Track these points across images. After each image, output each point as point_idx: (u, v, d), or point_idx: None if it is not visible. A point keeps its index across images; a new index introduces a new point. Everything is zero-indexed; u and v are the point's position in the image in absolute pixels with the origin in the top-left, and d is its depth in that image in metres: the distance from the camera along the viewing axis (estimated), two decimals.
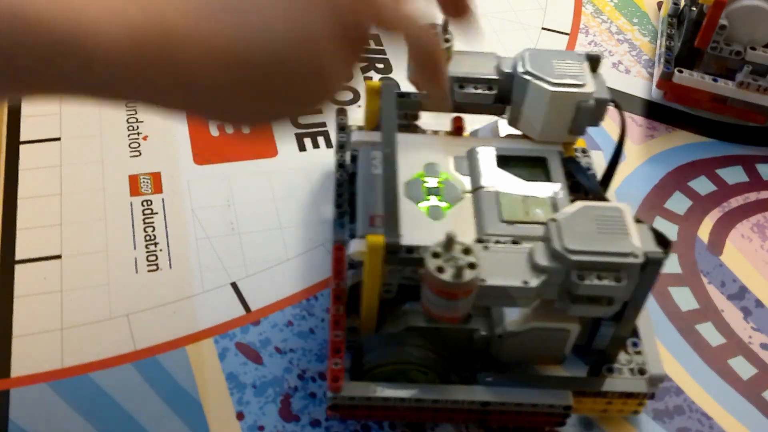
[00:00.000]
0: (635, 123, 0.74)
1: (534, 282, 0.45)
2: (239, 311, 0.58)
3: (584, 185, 0.54)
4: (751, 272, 0.64)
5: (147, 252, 0.61)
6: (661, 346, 0.58)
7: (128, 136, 0.69)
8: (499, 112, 0.58)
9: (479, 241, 0.49)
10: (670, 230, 0.65)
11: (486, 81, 0.56)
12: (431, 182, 0.53)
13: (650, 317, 0.54)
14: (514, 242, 0.48)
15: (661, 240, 0.46)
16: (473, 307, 0.46)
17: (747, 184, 0.70)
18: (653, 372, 0.51)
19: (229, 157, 0.68)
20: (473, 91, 0.56)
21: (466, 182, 0.54)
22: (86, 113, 0.70)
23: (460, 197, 0.53)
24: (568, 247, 0.44)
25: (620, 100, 0.75)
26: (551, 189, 0.53)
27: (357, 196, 0.54)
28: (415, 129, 0.60)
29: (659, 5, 0.86)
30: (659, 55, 0.76)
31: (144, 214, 0.63)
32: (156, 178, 0.66)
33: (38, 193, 0.64)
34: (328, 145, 0.69)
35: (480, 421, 0.52)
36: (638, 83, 0.78)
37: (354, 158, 0.58)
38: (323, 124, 0.71)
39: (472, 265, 0.44)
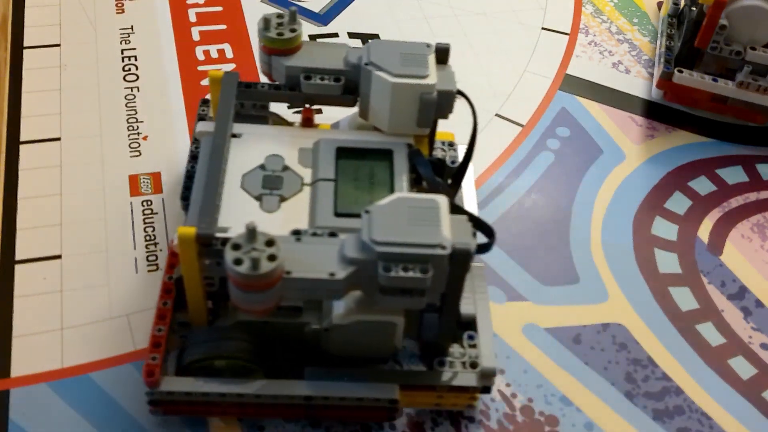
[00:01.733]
0: (635, 123, 0.74)
1: (341, 274, 0.45)
2: None
3: (425, 178, 0.53)
4: (751, 272, 0.64)
5: (147, 252, 0.61)
6: (661, 346, 0.58)
7: (128, 136, 0.69)
8: (350, 104, 0.57)
9: (314, 234, 0.49)
10: (670, 230, 0.65)
11: (333, 72, 0.55)
12: (270, 174, 0.53)
13: (490, 310, 0.54)
14: (332, 234, 0.48)
15: (488, 232, 0.47)
16: (302, 300, 0.47)
17: (747, 184, 0.70)
18: (485, 365, 0.51)
19: None
20: (320, 82, 0.55)
21: (308, 174, 0.53)
22: (86, 113, 0.70)
23: (298, 189, 0.52)
24: (375, 238, 0.44)
25: (620, 100, 0.75)
26: (394, 182, 0.53)
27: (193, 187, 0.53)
28: (281, 120, 0.59)
29: (659, 5, 0.86)
30: (659, 55, 0.76)
31: (144, 214, 0.63)
32: (156, 178, 0.66)
33: (38, 193, 0.64)
34: None
35: (307, 416, 0.52)
36: (638, 83, 0.78)
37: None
38: None
39: (272, 257, 0.43)
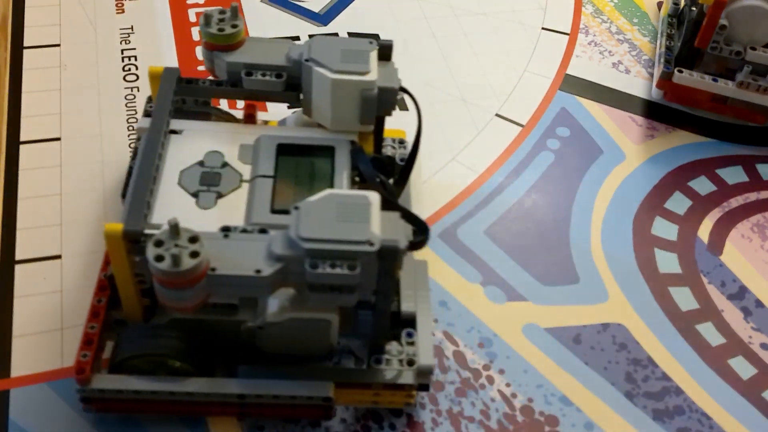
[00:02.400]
0: (635, 123, 0.74)
1: (267, 271, 0.44)
2: None
3: (364, 174, 0.53)
4: (751, 272, 0.64)
5: None
6: (661, 346, 0.58)
7: (128, 136, 0.69)
8: (293, 100, 0.57)
9: (244, 231, 0.48)
10: (670, 230, 0.65)
11: (274, 68, 0.55)
12: (208, 170, 0.52)
13: (432, 308, 0.54)
14: (262, 231, 0.47)
15: (422, 228, 0.47)
16: (233, 297, 0.47)
17: (747, 184, 0.70)
18: (422, 363, 0.50)
19: None
20: (261, 78, 0.55)
21: (248, 171, 0.53)
22: (86, 113, 0.70)
23: (237, 186, 0.52)
24: (302, 235, 0.44)
25: (620, 100, 0.75)
26: (335, 179, 0.52)
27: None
28: (228, 117, 0.59)
29: (659, 5, 0.86)
30: (659, 55, 0.76)
31: None
32: None
33: (38, 193, 0.64)
34: None
35: (241, 414, 0.51)
36: (638, 83, 0.78)
37: None
38: None
39: (194, 254, 0.43)
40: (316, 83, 0.54)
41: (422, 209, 0.65)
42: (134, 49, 0.76)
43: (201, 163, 0.53)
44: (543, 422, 0.54)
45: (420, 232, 0.49)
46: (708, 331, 0.60)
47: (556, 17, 0.84)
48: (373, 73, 0.53)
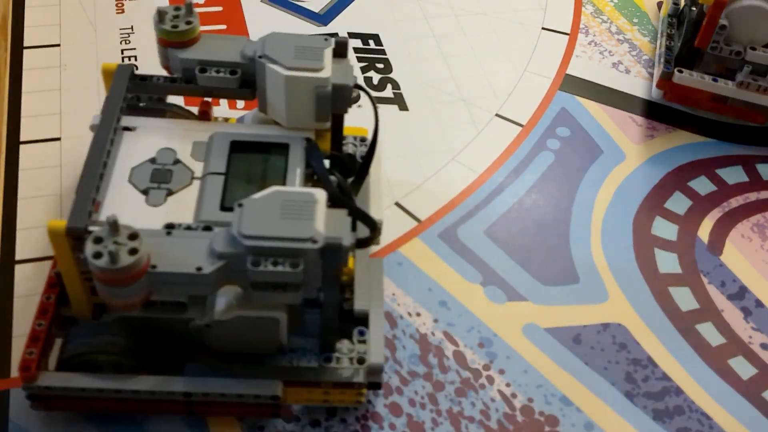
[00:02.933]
0: (635, 123, 0.74)
1: (209, 269, 0.44)
2: None
3: (316, 172, 0.53)
4: (751, 272, 0.64)
5: None
6: (661, 346, 0.58)
7: None
8: (248, 97, 0.56)
9: (188, 228, 0.48)
10: (670, 230, 0.65)
11: (229, 65, 0.55)
12: (160, 167, 0.52)
13: (383, 306, 0.53)
14: (207, 228, 0.47)
15: (371, 225, 0.48)
16: (178, 295, 0.47)
17: (747, 184, 0.70)
18: (372, 362, 0.50)
19: None
20: (215, 75, 0.54)
21: (200, 168, 0.52)
22: (86, 113, 0.70)
23: (188, 183, 0.52)
24: (244, 232, 0.44)
25: (620, 100, 0.75)
26: (287, 176, 0.52)
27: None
28: (186, 113, 0.59)
29: (659, 5, 0.86)
30: (659, 55, 0.76)
31: None
32: None
33: (38, 193, 0.64)
34: None
35: (189, 412, 0.51)
36: (638, 83, 0.78)
37: None
38: None
39: (133, 251, 0.43)
40: (270, 80, 0.53)
41: (421, 209, 0.65)
42: (134, 49, 0.76)
43: (153, 160, 0.52)
44: (543, 422, 0.54)
45: (369, 229, 0.49)
46: (708, 331, 0.60)
47: (556, 17, 0.84)
48: (327, 69, 0.52)
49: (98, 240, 0.43)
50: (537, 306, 0.60)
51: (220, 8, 0.81)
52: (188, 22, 0.54)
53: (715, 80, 0.71)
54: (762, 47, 0.69)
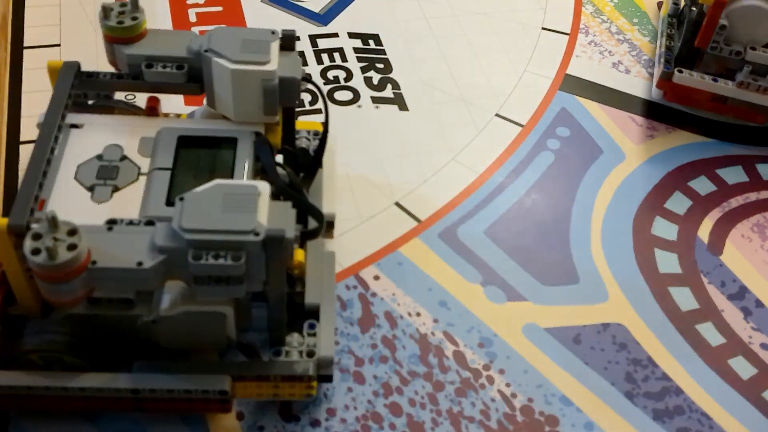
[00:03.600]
0: (635, 123, 0.74)
1: (149, 263, 0.44)
2: None
3: (264, 165, 0.53)
4: (751, 272, 0.64)
5: None
6: (661, 346, 0.58)
7: None
8: (196, 92, 0.56)
9: (130, 223, 0.48)
10: (670, 230, 0.65)
11: (175, 60, 0.54)
12: (106, 164, 0.52)
13: (335, 299, 0.53)
14: (149, 223, 0.47)
15: (317, 217, 0.48)
16: (120, 291, 0.47)
17: (747, 184, 0.70)
18: (322, 354, 0.50)
19: None
20: (162, 70, 0.54)
21: (147, 164, 0.52)
22: None
23: (134, 179, 0.51)
24: (185, 225, 0.44)
25: (620, 100, 0.75)
26: (236, 170, 0.52)
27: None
28: (133, 110, 0.58)
29: (659, 5, 0.86)
30: (659, 55, 0.76)
31: None
32: None
33: None
34: None
35: (137, 409, 0.50)
36: (638, 83, 0.78)
37: None
38: None
39: (72, 246, 0.42)
40: (217, 74, 0.53)
41: (421, 209, 0.65)
42: None
43: (99, 157, 0.52)
44: (543, 422, 0.54)
45: (315, 221, 0.49)
46: (708, 331, 0.60)
47: (556, 17, 0.84)
48: (274, 62, 0.52)
49: (37, 236, 0.43)
50: (537, 306, 0.60)
51: (220, 8, 0.81)
52: (134, 18, 0.54)
53: (715, 80, 0.71)
54: (762, 47, 0.69)
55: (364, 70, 0.76)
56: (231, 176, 0.51)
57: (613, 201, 0.67)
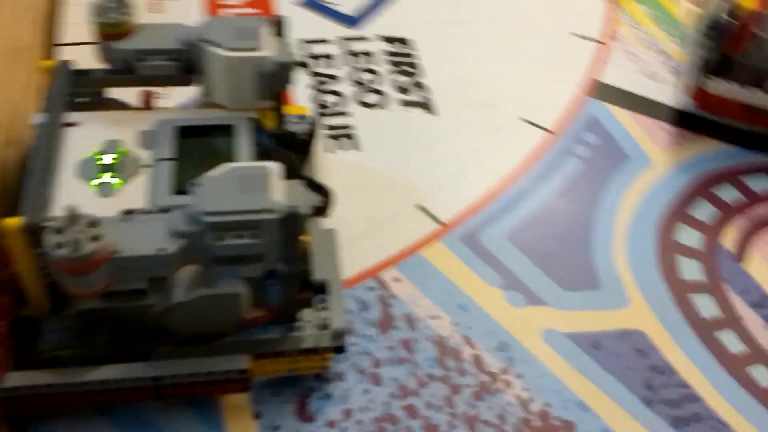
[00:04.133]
0: (663, 131, 0.74)
1: (171, 248, 0.44)
2: None
3: (265, 147, 0.53)
4: None
5: None
6: (681, 353, 0.58)
7: None
8: (189, 83, 0.56)
9: (145, 212, 0.48)
10: (694, 237, 0.65)
11: (167, 52, 0.55)
12: (107, 159, 0.52)
13: (340, 274, 0.54)
14: (164, 211, 0.47)
15: (324, 194, 0.49)
16: (142, 280, 0.47)
17: None
18: (336, 326, 0.51)
19: None
20: (154, 63, 0.55)
21: (147, 157, 0.52)
22: None
23: (137, 172, 0.52)
24: (204, 209, 0.44)
25: (649, 108, 0.75)
26: (237, 155, 0.52)
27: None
28: (124, 106, 0.59)
29: (692, 15, 0.85)
30: (691, 65, 0.75)
31: None
32: None
33: None
34: (355, 146, 0.70)
35: (156, 396, 0.51)
36: (669, 92, 0.77)
37: None
38: (350, 126, 0.71)
39: (94, 238, 0.43)
40: (212, 63, 0.54)
41: (445, 212, 0.65)
42: None
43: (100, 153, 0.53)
44: (560, 427, 0.54)
45: (322, 197, 0.50)
46: (728, 339, 0.59)
47: (589, 24, 0.84)
48: (267, 48, 0.53)
49: (58, 231, 0.43)
50: (557, 311, 0.60)
51: (252, 10, 0.82)
52: (123, 14, 0.55)
53: (746, 90, 0.71)
54: None
55: (393, 73, 0.77)
56: (233, 161, 0.52)
57: (638, 207, 0.67)
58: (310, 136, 0.58)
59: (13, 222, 0.45)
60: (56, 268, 0.44)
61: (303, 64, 0.56)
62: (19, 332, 0.50)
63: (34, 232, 0.45)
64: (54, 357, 0.49)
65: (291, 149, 0.56)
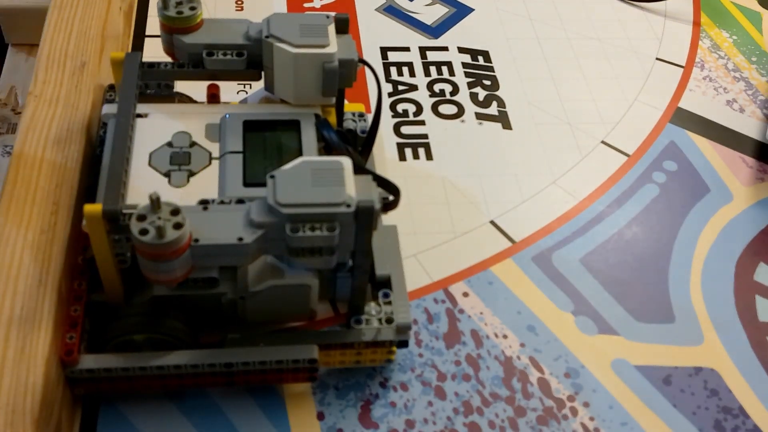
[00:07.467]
0: (745, 164, 0.72)
1: (249, 238, 0.45)
2: None
3: (331, 143, 0.54)
4: None
5: None
6: (754, 397, 0.56)
7: None
8: (255, 78, 0.57)
9: (222, 203, 0.49)
10: None
11: (235, 47, 0.56)
12: (178, 150, 0.53)
13: (404, 269, 0.55)
14: (239, 202, 0.48)
15: (393, 191, 0.50)
16: (216, 269, 0.48)
17: None
18: (400, 321, 0.52)
19: None
20: (222, 57, 0.55)
21: (216, 149, 0.54)
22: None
23: (207, 164, 0.53)
24: (281, 200, 0.46)
25: (732, 139, 0.73)
26: (303, 151, 0.53)
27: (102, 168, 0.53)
28: (188, 100, 0.59)
29: None
30: None
31: None
32: None
33: None
34: (428, 157, 0.69)
35: (227, 383, 0.51)
36: (752, 123, 0.76)
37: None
38: (425, 136, 0.70)
39: (177, 225, 0.44)
40: (278, 59, 0.54)
41: (517, 230, 0.64)
42: None
43: (169, 144, 0.54)
44: None
45: (391, 194, 0.51)
46: None
47: (671, 49, 0.83)
48: (333, 45, 0.54)
49: (142, 217, 0.44)
50: (629, 342, 0.59)
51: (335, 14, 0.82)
52: (192, 8, 0.56)
53: None
54: None
55: (470, 85, 0.76)
56: (299, 156, 0.53)
57: (717, 242, 0.65)
58: (372, 133, 0.58)
59: (95, 208, 0.45)
60: (140, 253, 0.45)
61: (366, 63, 0.56)
62: (93, 316, 0.51)
63: (112, 219, 0.46)
64: (127, 341, 0.50)
65: (353, 146, 0.57)
